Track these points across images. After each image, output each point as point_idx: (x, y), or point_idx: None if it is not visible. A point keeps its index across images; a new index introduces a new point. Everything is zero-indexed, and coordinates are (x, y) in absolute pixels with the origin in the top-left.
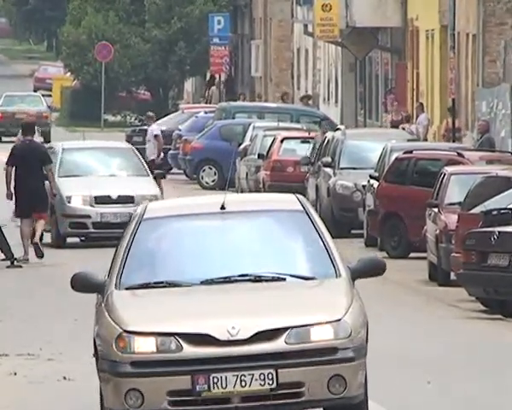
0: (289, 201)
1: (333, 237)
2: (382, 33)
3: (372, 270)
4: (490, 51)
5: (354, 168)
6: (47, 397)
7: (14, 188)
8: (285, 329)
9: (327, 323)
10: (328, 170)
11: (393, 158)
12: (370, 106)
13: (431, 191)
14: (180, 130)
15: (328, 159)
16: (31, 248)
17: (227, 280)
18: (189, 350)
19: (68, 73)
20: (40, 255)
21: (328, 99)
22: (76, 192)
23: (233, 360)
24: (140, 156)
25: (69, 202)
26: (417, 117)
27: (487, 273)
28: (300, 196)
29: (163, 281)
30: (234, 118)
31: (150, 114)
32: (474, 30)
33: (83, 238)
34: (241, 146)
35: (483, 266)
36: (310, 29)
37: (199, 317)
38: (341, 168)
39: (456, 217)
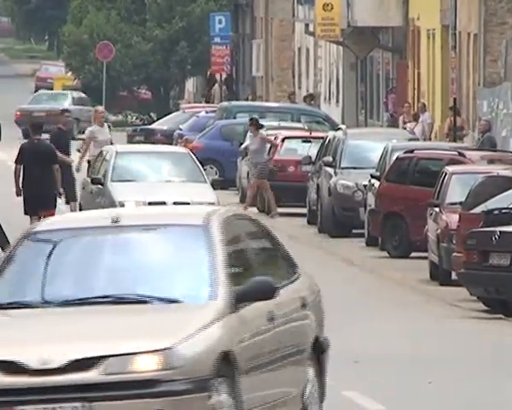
0: (192, 215)
1: (334, 237)
2: (383, 33)
3: (258, 294)
4: (491, 51)
5: (355, 168)
6: None
7: (22, 186)
8: (102, 358)
9: (151, 352)
10: (330, 169)
11: (394, 158)
12: (371, 105)
13: (432, 191)
14: (181, 129)
15: (329, 158)
16: None
17: (85, 302)
18: None
19: (69, 73)
20: None
21: (330, 98)
22: (129, 198)
23: (42, 392)
24: (197, 162)
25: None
26: (419, 117)
27: (488, 273)
28: (222, 210)
29: (15, 301)
30: (235, 117)
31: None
32: (476, 29)
33: None
34: (242, 146)
35: (484, 265)
36: (311, 28)
37: (14, 342)
38: (342, 168)
39: (457, 217)
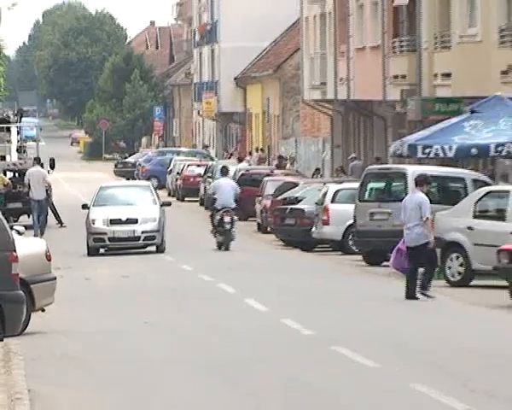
0: None
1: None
2: (235, 115)
3: None
4: (286, 122)
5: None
6: (74, 289)
7: None
8: None
9: None
10: (210, 179)
11: (240, 174)
12: (228, 150)
13: (258, 189)
14: (139, 161)
15: (209, 174)
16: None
17: None
18: None
19: (87, 135)
20: None
21: (209, 146)
22: (98, 216)
23: None
24: (154, 190)
25: (93, 224)
26: (250, 154)
27: (285, 228)
28: None
29: None
30: (165, 155)
31: None
32: (279, 112)
33: (106, 249)
34: (169, 168)
35: (282, 224)
36: (201, 113)
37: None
38: (215, 177)
39: (270, 201)
